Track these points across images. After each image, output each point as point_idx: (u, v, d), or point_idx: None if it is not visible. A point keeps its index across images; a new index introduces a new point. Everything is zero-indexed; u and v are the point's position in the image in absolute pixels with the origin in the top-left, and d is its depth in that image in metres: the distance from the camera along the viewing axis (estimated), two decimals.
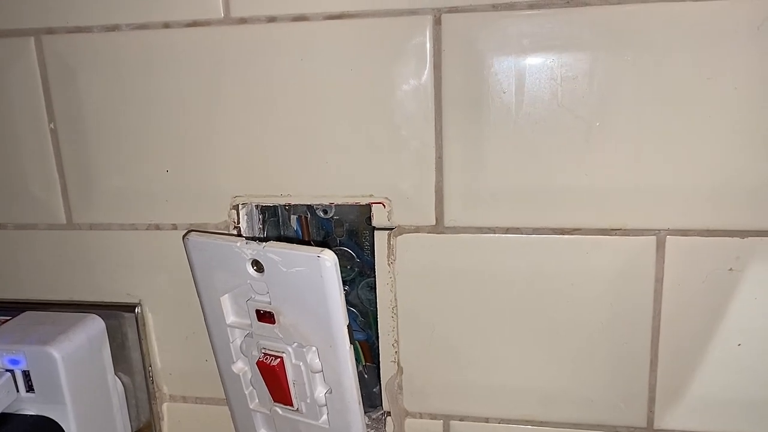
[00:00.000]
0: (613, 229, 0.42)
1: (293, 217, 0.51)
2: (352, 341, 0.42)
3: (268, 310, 0.42)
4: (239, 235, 0.47)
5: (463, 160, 0.43)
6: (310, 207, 0.50)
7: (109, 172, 0.48)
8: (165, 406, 0.53)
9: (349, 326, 0.41)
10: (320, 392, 0.43)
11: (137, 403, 0.52)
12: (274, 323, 0.42)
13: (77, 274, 0.51)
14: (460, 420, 0.48)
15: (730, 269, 0.41)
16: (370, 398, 0.52)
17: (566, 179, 0.42)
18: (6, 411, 0.44)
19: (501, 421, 0.47)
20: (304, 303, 0.40)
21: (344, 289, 0.51)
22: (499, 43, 0.40)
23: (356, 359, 0.52)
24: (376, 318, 0.49)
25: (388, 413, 0.49)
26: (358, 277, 0.52)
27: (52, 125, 0.48)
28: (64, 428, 0.45)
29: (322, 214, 0.50)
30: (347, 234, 0.52)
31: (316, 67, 0.43)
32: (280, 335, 0.42)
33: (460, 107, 0.42)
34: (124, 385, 0.51)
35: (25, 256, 0.51)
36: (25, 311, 0.50)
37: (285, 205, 0.50)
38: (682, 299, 0.42)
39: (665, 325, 0.43)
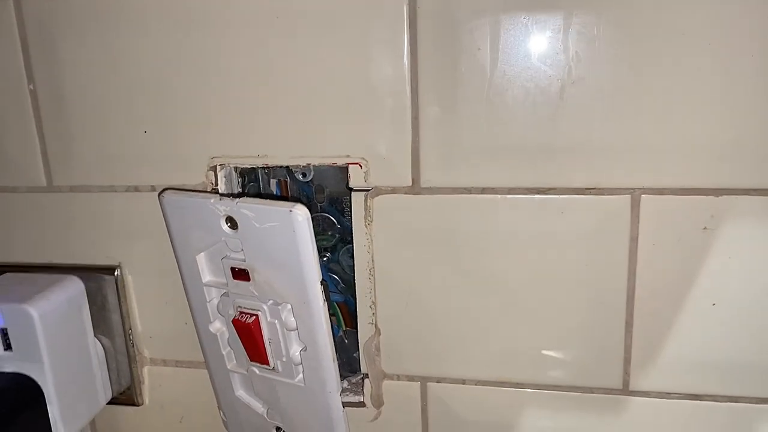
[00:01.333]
0: (587, 189, 0.42)
1: (273, 182, 0.51)
2: (327, 299, 0.42)
3: (242, 267, 0.42)
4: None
5: (439, 119, 0.43)
6: (289, 170, 0.50)
7: (89, 134, 0.48)
8: (146, 370, 0.53)
9: (324, 283, 0.41)
10: (295, 350, 0.43)
11: (118, 367, 0.52)
12: (249, 280, 0.42)
13: (57, 236, 0.51)
14: (437, 382, 0.48)
15: (705, 228, 0.41)
16: (351, 363, 0.52)
17: (541, 138, 0.42)
18: None
19: (477, 382, 0.47)
20: (278, 259, 0.41)
21: (325, 256, 0.52)
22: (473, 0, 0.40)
23: (337, 324, 0.52)
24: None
25: (366, 375, 0.49)
26: (340, 243, 0.52)
27: (31, 86, 0.48)
28: (41, 386, 0.45)
29: (301, 177, 0.50)
30: (328, 200, 0.52)
31: (292, 27, 0.43)
32: (255, 293, 0.42)
33: (436, 66, 0.42)
34: (104, 349, 0.52)
35: (4, 219, 0.51)
36: (4, 273, 0.50)
37: (264, 169, 0.50)
38: (657, 259, 0.42)
39: (640, 285, 0.43)
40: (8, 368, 0.45)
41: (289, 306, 0.42)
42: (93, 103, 0.47)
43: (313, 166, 0.47)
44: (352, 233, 0.49)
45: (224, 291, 0.44)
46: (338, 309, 0.52)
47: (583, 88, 0.40)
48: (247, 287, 0.42)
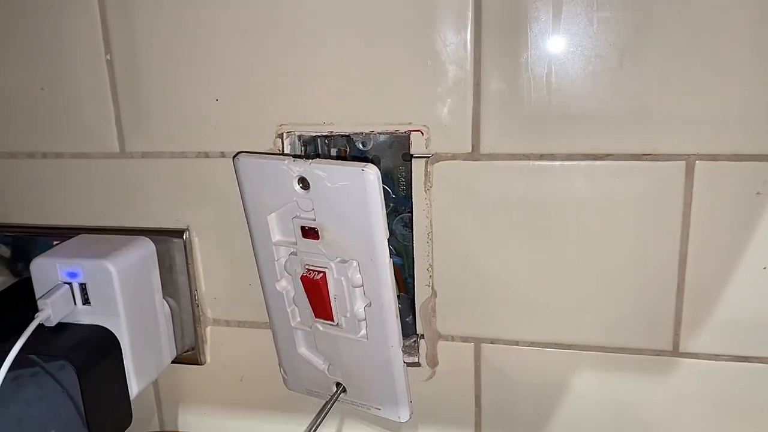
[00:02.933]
0: (644, 155, 0.44)
1: (333, 150, 0.53)
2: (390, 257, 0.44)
3: (312, 226, 0.44)
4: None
5: (500, 87, 0.45)
6: (349, 140, 0.52)
7: (162, 102, 0.51)
8: (209, 330, 0.56)
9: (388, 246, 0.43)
10: (360, 306, 0.45)
11: (182, 326, 0.55)
12: (318, 239, 0.44)
13: (129, 200, 0.54)
14: (490, 343, 0.50)
15: (758, 193, 0.43)
16: (403, 327, 0.53)
17: (599, 106, 0.43)
18: (64, 321, 0.47)
19: (531, 344, 0.49)
20: (348, 217, 0.43)
21: None
22: None
23: None
24: (410, 253, 0.51)
25: (422, 336, 0.51)
26: (393, 213, 0.54)
27: (108, 56, 0.50)
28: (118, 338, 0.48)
29: (361, 147, 0.52)
30: (383, 172, 0.54)
31: None
32: (324, 251, 0.45)
33: (499, 34, 0.44)
34: (170, 309, 0.54)
35: (79, 184, 0.54)
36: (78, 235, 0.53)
37: (325, 138, 0.52)
38: (710, 223, 0.44)
39: (692, 250, 0.45)
40: (86, 321, 0.48)
41: (356, 263, 0.44)
42: (166, 73, 0.50)
43: (374, 134, 0.49)
44: (404, 204, 0.51)
45: (292, 250, 0.46)
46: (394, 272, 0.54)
47: (641, 58, 0.42)
48: (316, 245, 0.45)
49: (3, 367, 0.42)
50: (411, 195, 0.49)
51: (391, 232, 0.54)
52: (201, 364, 0.56)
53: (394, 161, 0.53)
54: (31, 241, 0.56)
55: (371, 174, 0.41)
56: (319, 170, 0.42)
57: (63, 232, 0.55)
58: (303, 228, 0.45)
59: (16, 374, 0.44)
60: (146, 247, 0.51)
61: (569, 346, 0.49)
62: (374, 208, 0.42)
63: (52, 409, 0.45)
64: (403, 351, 0.51)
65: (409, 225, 0.51)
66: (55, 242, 0.54)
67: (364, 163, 0.41)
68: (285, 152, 0.50)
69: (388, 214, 0.54)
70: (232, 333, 0.55)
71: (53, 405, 0.44)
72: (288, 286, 0.48)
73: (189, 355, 0.56)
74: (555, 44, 0.43)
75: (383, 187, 0.54)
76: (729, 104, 0.42)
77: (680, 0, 0.41)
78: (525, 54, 0.43)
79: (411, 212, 0.50)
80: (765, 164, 0.42)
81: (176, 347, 0.55)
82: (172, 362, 0.55)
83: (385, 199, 0.53)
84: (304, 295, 0.46)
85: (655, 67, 0.42)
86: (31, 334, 0.44)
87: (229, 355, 0.56)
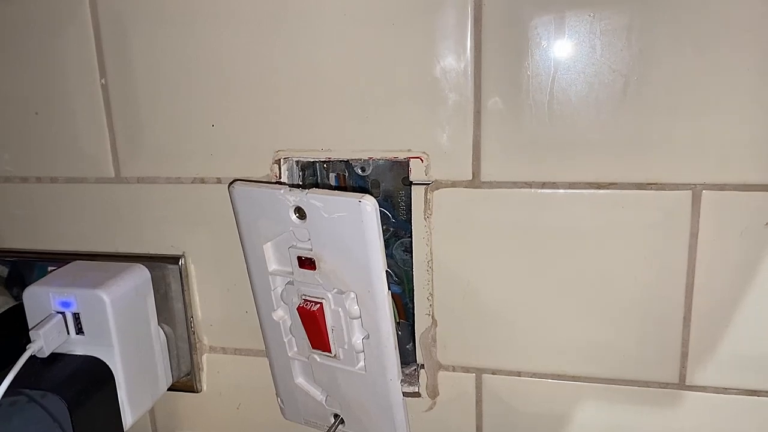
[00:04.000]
0: (649, 184, 0.43)
1: (332, 175, 0.52)
2: (389, 289, 0.43)
3: (309, 256, 0.43)
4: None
5: (501, 114, 0.44)
6: (348, 165, 0.51)
7: (157, 127, 0.50)
8: (205, 357, 0.55)
9: (387, 272, 0.42)
10: (358, 338, 0.44)
11: (178, 353, 0.54)
12: (314, 269, 0.44)
13: (124, 226, 0.53)
14: (492, 374, 0.49)
15: (766, 224, 0.42)
16: (403, 355, 0.53)
17: (603, 133, 0.42)
18: (57, 351, 0.46)
19: (533, 375, 0.48)
20: (345, 248, 0.42)
21: None
22: None
23: None
24: (410, 278, 0.50)
25: (422, 366, 0.50)
26: (393, 237, 0.53)
27: (103, 81, 0.50)
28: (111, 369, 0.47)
29: (360, 172, 0.51)
30: (383, 195, 0.53)
31: (358, 22, 0.44)
32: (320, 281, 0.44)
33: (500, 61, 0.43)
34: (166, 336, 0.53)
35: (74, 209, 0.53)
36: (72, 261, 0.52)
37: (324, 163, 0.51)
38: (717, 254, 0.43)
39: (699, 280, 0.44)
40: (79, 351, 0.47)
41: (353, 294, 0.43)
42: (162, 98, 0.49)
43: (373, 160, 0.48)
44: (404, 228, 0.50)
45: (289, 280, 0.45)
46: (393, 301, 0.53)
47: (646, 85, 0.41)
48: (313, 276, 0.44)
49: None
50: (411, 219, 0.48)
51: (391, 256, 0.53)
52: (197, 392, 0.55)
53: (395, 185, 0.52)
54: (25, 265, 0.56)
55: (368, 205, 0.40)
56: (315, 200, 0.42)
57: (57, 257, 0.54)
58: (299, 258, 0.44)
59: (6, 407, 0.43)
60: (141, 275, 0.50)
61: (572, 378, 0.48)
62: (372, 240, 0.41)
63: None
64: (402, 381, 0.50)
65: (409, 250, 0.50)
66: (49, 268, 0.53)
67: (361, 194, 0.40)
68: (282, 178, 0.49)
69: (388, 239, 0.53)
70: (229, 360, 0.54)
71: None
72: (284, 316, 0.47)
73: (185, 383, 0.55)
74: (557, 71, 0.42)
75: (383, 211, 0.53)
76: (736, 133, 0.41)
77: (685, 27, 0.40)
78: (526, 80, 0.42)
79: (411, 237, 0.49)
80: None
81: (172, 375, 0.54)
82: (168, 389, 0.54)
83: (384, 224, 0.53)
84: (301, 325, 0.45)
85: (660, 94, 0.41)
86: (24, 365, 0.43)
87: (226, 383, 0.55)
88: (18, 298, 0.57)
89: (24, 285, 0.56)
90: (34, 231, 0.55)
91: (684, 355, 0.45)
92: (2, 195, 0.55)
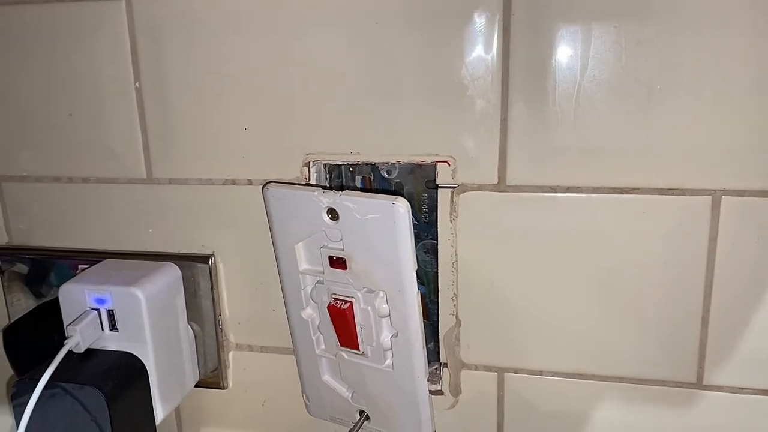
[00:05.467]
0: (670, 189, 0.44)
1: (357, 178, 0.54)
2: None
3: (340, 256, 0.45)
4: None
5: (528, 120, 0.45)
6: (374, 168, 0.53)
7: (190, 130, 0.51)
8: (231, 354, 0.56)
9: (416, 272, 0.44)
10: (386, 336, 0.46)
11: (205, 351, 0.55)
12: (345, 269, 0.45)
13: (155, 226, 0.54)
14: (514, 372, 0.50)
15: None
16: (426, 354, 0.54)
17: (626, 140, 0.44)
18: (92, 347, 0.48)
19: (554, 374, 0.49)
20: (376, 249, 0.43)
21: None
22: (566, 6, 0.42)
23: None
24: (431, 278, 0.51)
25: (445, 365, 0.51)
26: (415, 239, 0.55)
27: (137, 84, 0.51)
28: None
29: (386, 175, 0.53)
30: (407, 198, 0.54)
31: (388, 28, 0.45)
32: (351, 281, 0.45)
33: (527, 68, 0.44)
34: (194, 334, 0.54)
35: (106, 209, 0.55)
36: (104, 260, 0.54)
37: (350, 166, 0.53)
38: (735, 258, 0.44)
39: (718, 283, 0.45)
40: (113, 347, 0.48)
41: (383, 294, 0.45)
42: (195, 101, 0.50)
43: (400, 163, 0.50)
44: (426, 230, 0.51)
45: (319, 279, 0.47)
46: None
47: (668, 94, 0.43)
48: (343, 275, 0.45)
49: (34, 394, 0.42)
50: (433, 222, 0.50)
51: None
52: (223, 389, 0.56)
53: (416, 188, 0.53)
54: (51, 263, 0.57)
55: (401, 207, 0.41)
56: (348, 202, 0.43)
57: (87, 255, 0.55)
58: (330, 258, 0.45)
59: (45, 401, 0.44)
60: (172, 273, 0.51)
61: (593, 377, 0.49)
62: (403, 241, 0.42)
63: None
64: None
65: (431, 251, 0.52)
66: (80, 266, 0.54)
67: (394, 197, 0.42)
68: (311, 180, 0.50)
69: None
70: (255, 358, 0.55)
71: (82, 431, 0.45)
72: (313, 314, 0.48)
73: (211, 379, 0.56)
74: (583, 79, 0.43)
75: None
76: (755, 141, 0.42)
77: (706, 38, 0.41)
78: (552, 88, 0.44)
79: (433, 239, 0.50)
80: None
81: (199, 372, 0.55)
82: (195, 386, 0.55)
83: None
84: (330, 323, 0.47)
85: (682, 103, 0.42)
86: (61, 361, 0.44)
87: (252, 380, 0.56)
88: (42, 296, 0.58)
89: (47, 283, 0.58)
90: (65, 229, 0.56)
91: (702, 356, 0.47)
92: (34, 194, 0.56)
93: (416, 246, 0.54)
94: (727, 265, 0.45)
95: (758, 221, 0.43)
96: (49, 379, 0.43)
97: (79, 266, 0.55)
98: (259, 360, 0.55)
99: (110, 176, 0.54)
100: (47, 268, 0.57)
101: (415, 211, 0.54)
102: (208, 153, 0.51)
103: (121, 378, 0.46)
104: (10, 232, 0.58)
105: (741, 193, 0.43)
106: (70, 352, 0.46)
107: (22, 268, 0.58)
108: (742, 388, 0.47)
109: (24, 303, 0.58)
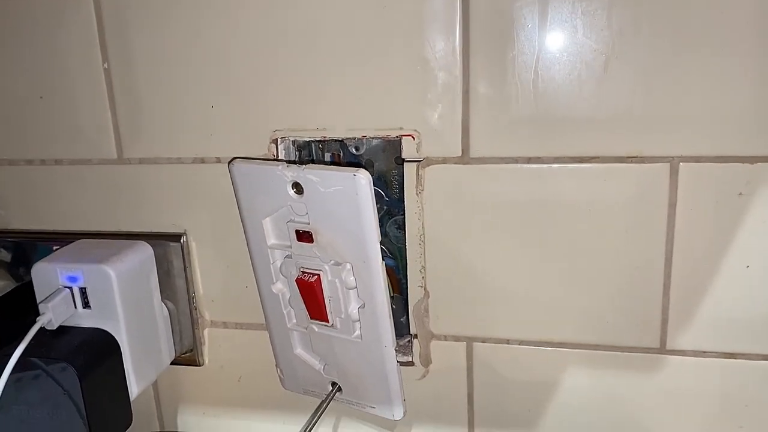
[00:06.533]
0: (629, 157, 0.45)
1: (327, 155, 0.54)
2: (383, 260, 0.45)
3: (306, 230, 0.45)
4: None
5: (489, 92, 0.46)
6: (342, 144, 0.53)
7: (158, 110, 0.52)
8: (206, 332, 0.57)
9: (381, 248, 0.44)
10: (354, 307, 0.46)
11: (180, 329, 0.56)
12: (312, 242, 0.46)
13: (127, 205, 0.55)
14: (482, 342, 0.51)
15: (740, 194, 0.44)
16: (397, 327, 0.55)
17: (585, 109, 0.45)
18: (64, 325, 0.48)
19: (521, 342, 0.50)
20: (341, 221, 0.44)
21: None
22: None
23: None
24: (403, 254, 0.52)
25: (415, 336, 0.52)
26: (386, 216, 0.55)
27: (105, 65, 0.52)
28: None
29: (354, 151, 0.53)
30: (376, 175, 0.55)
31: (352, 4, 0.46)
32: (318, 254, 0.46)
33: (487, 41, 0.45)
34: (168, 312, 0.55)
35: (78, 190, 0.55)
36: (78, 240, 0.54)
37: (319, 143, 0.53)
38: (694, 223, 0.45)
39: (678, 249, 0.46)
40: (86, 325, 0.49)
41: (349, 265, 0.45)
42: (162, 80, 0.51)
43: (367, 139, 0.50)
44: (397, 206, 0.52)
45: (287, 253, 0.47)
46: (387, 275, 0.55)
47: (625, 62, 0.43)
48: (310, 249, 0.46)
49: (5, 370, 0.43)
50: (404, 197, 0.50)
51: (385, 234, 0.55)
52: (199, 366, 0.57)
53: (387, 164, 0.54)
54: (31, 246, 0.57)
55: (363, 178, 0.42)
56: (312, 175, 0.43)
57: (62, 237, 0.56)
58: (297, 232, 0.46)
59: (18, 377, 0.45)
60: (145, 251, 0.52)
61: (559, 344, 0.50)
62: (366, 212, 0.43)
63: (53, 410, 0.46)
64: (396, 350, 0.52)
65: (402, 227, 0.52)
66: (54, 247, 0.55)
67: (356, 168, 0.42)
68: (279, 157, 0.51)
69: (381, 217, 0.55)
70: (230, 334, 0.56)
71: (55, 407, 0.45)
72: (283, 289, 0.49)
73: (187, 357, 0.57)
74: (541, 50, 0.44)
75: (376, 189, 0.55)
76: (712, 106, 0.43)
77: (662, 6, 0.42)
78: (512, 60, 0.45)
79: (404, 215, 0.51)
80: (747, 165, 0.43)
81: (175, 349, 0.56)
82: (171, 363, 0.56)
83: (378, 202, 0.55)
84: (300, 297, 0.47)
85: (639, 71, 0.43)
86: (33, 338, 0.45)
87: (227, 356, 0.57)
88: (21, 280, 0.59)
89: (28, 266, 0.58)
90: (40, 212, 0.57)
91: (664, 321, 0.47)
92: (8, 177, 0.56)
93: (387, 222, 0.55)
94: (686, 231, 0.45)
95: (715, 186, 0.44)
96: (22, 355, 0.44)
97: (54, 248, 0.55)
98: (234, 336, 0.56)
99: (82, 158, 0.54)
100: (25, 250, 0.58)
101: (387, 187, 0.55)
102: (176, 132, 0.52)
103: (93, 353, 0.47)
104: None
105: (698, 159, 0.44)
106: (42, 329, 0.46)
107: (1, 251, 0.59)
108: (705, 352, 0.48)
109: (2, 286, 0.59)
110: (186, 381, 0.59)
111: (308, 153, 0.54)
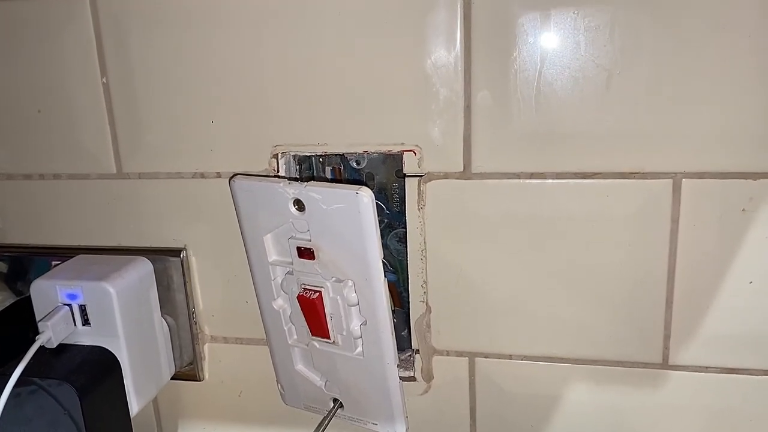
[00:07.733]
0: (631, 173, 0.45)
1: (327, 169, 0.54)
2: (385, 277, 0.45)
3: (308, 246, 0.45)
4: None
5: (490, 108, 0.45)
6: (343, 158, 0.53)
7: (158, 124, 0.51)
8: (207, 347, 0.56)
9: (383, 261, 0.44)
10: (355, 324, 0.46)
11: (180, 344, 0.56)
12: (313, 259, 0.45)
13: (126, 220, 0.54)
14: (484, 357, 0.51)
15: (743, 210, 0.44)
16: (399, 341, 0.54)
17: (588, 125, 0.44)
18: (64, 342, 0.48)
19: (523, 357, 0.50)
20: (343, 238, 0.44)
21: None
22: None
23: None
24: (404, 267, 0.52)
25: (417, 351, 0.52)
26: (387, 228, 0.55)
27: (104, 80, 0.51)
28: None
29: (355, 165, 0.53)
30: (377, 188, 0.55)
31: (353, 20, 0.46)
32: (319, 271, 0.45)
33: (488, 57, 0.44)
34: (168, 327, 0.55)
35: (77, 205, 0.55)
36: (77, 255, 0.54)
37: (320, 157, 0.53)
38: (697, 239, 0.45)
39: (680, 265, 0.46)
40: (86, 342, 0.49)
41: (351, 283, 0.45)
42: (162, 95, 0.50)
43: (368, 153, 0.50)
44: (398, 219, 0.52)
45: (288, 270, 0.47)
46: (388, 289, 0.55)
47: (628, 78, 0.43)
48: (312, 265, 0.46)
49: (5, 390, 0.43)
50: (404, 211, 0.50)
51: (386, 247, 0.55)
52: (199, 381, 0.57)
53: (388, 177, 0.54)
54: (29, 260, 0.57)
55: (365, 197, 0.42)
56: (314, 193, 0.43)
57: (61, 251, 0.56)
58: (299, 248, 0.46)
59: (18, 396, 0.44)
60: (144, 267, 0.52)
61: (561, 360, 0.50)
62: (368, 230, 0.43)
63: (53, 430, 0.45)
64: (398, 366, 0.52)
65: (403, 240, 0.52)
66: (53, 262, 0.54)
67: (358, 186, 0.42)
68: (280, 172, 0.51)
69: (382, 230, 0.55)
70: (230, 349, 0.56)
71: (55, 426, 0.45)
72: (284, 305, 0.49)
73: (188, 372, 0.57)
74: (543, 66, 0.44)
75: (377, 203, 0.55)
76: (715, 123, 0.43)
77: (666, 21, 0.42)
78: (513, 75, 0.44)
79: (404, 228, 0.51)
80: (750, 182, 0.43)
81: (175, 364, 0.56)
82: (171, 379, 0.55)
83: (379, 215, 0.54)
84: (301, 313, 0.47)
85: (642, 87, 0.43)
86: (33, 357, 0.45)
87: (227, 371, 0.57)
88: (19, 294, 0.59)
89: (26, 280, 0.58)
90: (38, 226, 0.56)
91: (667, 336, 0.47)
92: (6, 191, 0.56)
93: (388, 235, 0.55)
94: (689, 247, 0.45)
95: (718, 202, 0.44)
96: (21, 375, 0.43)
97: (53, 263, 0.55)
98: (235, 351, 0.56)
99: (81, 172, 0.54)
100: (23, 264, 0.58)
101: (387, 201, 0.55)
102: (176, 147, 0.51)
103: (94, 372, 0.46)
104: None
105: (701, 175, 0.44)
106: (42, 347, 0.46)
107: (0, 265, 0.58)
108: (707, 367, 0.47)
109: (2, 300, 0.59)
110: (186, 396, 0.58)
111: (309, 167, 0.54)
